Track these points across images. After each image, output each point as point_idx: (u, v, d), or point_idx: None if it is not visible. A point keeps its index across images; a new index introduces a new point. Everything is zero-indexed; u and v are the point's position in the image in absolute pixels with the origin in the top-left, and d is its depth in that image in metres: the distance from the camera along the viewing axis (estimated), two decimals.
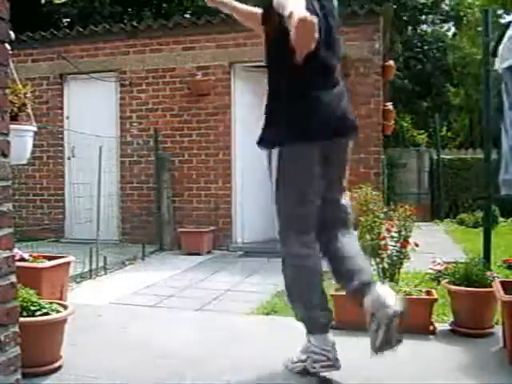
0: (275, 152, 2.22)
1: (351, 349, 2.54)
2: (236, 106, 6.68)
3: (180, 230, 6.44)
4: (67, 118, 7.20)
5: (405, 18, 14.51)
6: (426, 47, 13.72)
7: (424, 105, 14.34)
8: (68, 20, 12.20)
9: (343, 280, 2.28)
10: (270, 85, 2.27)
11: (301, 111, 2.17)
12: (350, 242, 2.33)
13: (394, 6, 7.39)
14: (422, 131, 15.10)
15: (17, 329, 1.81)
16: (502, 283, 2.68)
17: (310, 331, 2.28)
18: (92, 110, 6.94)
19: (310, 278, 2.25)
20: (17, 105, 2.74)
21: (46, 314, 2.36)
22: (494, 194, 3.38)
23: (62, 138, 7.09)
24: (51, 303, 2.47)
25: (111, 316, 3.40)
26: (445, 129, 16.95)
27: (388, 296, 2.10)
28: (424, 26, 14.30)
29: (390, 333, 2.09)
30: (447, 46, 14.04)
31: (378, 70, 6.20)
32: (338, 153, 2.31)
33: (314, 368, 2.25)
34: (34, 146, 2.99)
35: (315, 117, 2.16)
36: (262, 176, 7.46)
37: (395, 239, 3.32)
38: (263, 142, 2.31)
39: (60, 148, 7.13)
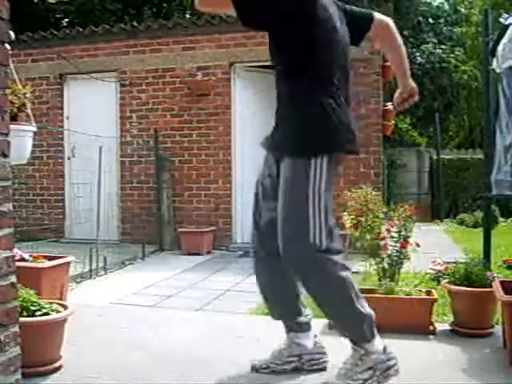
0: (317, 159, 2.09)
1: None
2: (236, 106, 6.69)
3: (180, 230, 6.44)
4: (67, 118, 7.20)
5: (405, 33, 14.59)
6: (427, 65, 13.74)
7: (421, 110, 14.36)
8: (68, 19, 12.19)
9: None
10: (297, 92, 2.16)
11: (341, 122, 2.13)
12: None
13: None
14: (422, 132, 15.11)
15: (17, 329, 1.81)
16: (502, 283, 2.68)
17: (369, 339, 2.14)
18: (92, 110, 6.94)
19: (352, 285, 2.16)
20: (16, 105, 2.74)
21: (46, 314, 2.36)
22: (488, 194, 3.37)
23: (62, 138, 7.09)
24: (51, 303, 2.47)
25: (111, 316, 3.40)
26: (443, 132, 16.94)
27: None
28: (426, 46, 14.32)
29: None
30: (449, 67, 14.01)
31: (377, 70, 6.20)
32: None
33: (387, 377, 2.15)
34: (34, 145, 2.99)
35: (350, 129, 2.18)
36: None
37: (395, 239, 3.32)
38: (304, 150, 2.13)
39: (60, 148, 7.13)
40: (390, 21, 2.36)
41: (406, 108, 2.55)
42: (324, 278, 2.11)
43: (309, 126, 2.09)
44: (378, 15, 2.36)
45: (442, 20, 16.60)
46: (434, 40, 14.86)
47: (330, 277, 2.10)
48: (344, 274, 2.11)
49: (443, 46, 14.49)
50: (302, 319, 2.40)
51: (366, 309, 2.15)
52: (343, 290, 2.11)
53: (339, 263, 2.11)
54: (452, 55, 14.25)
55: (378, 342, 2.15)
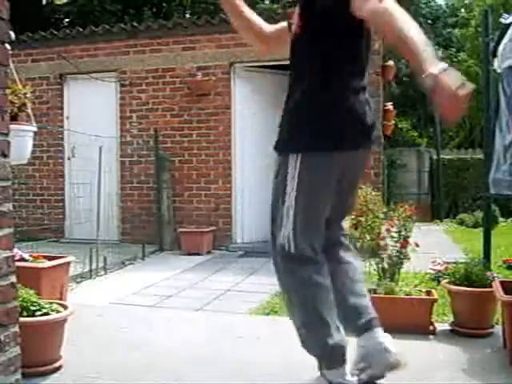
0: (293, 158, 1.93)
1: (351, 349, 2.54)
2: (236, 105, 6.69)
3: (180, 230, 6.44)
4: (67, 118, 7.20)
5: None
6: None
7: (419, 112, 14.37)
8: (68, 20, 12.20)
9: (348, 314, 2.03)
10: (295, 83, 2.01)
11: (330, 114, 1.90)
12: (355, 262, 2.15)
13: None
14: (421, 132, 15.09)
15: (17, 329, 1.81)
16: (502, 283, 2.68)
17: (328, 366, 1.97)
18: (92, 110, 6.94)
19: (327, 294, 1.96)
20: (17, 105, 2.74)
21: (46, 314, 2.36)
22: (488, 194, 3.36)
23: (62, 138, 7.09)
24: (51, 303, 2.47)
25: (111, 316, 3.40)
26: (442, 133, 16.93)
27: (389, 342, 1.94)
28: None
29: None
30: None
31: (377, 70, 6.21)
32: (358, 165, 2.09)
33: None
34: (34, 145, 2.99)
35: (346, 122, 1.92)
36: (262, 176, 7.47)
37: (395, 239, 3.32)
38: (280, 146, 2.01)
39: (60, 148, 7.13)
40: (376, 9, 1.71)
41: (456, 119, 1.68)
42: (287, 287, 1.99)
43: (287, 120, 1.99)
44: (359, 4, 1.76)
45: (441, 22, 16.62)
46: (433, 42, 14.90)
47: (293, 289, 1.97)
48: (308, 291, 1.93)
49: (444, 51, 14.50)
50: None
51: (332, 337, 1.92)
52: (305, 308, 1.95)
53: (309, 275, 1.93)
54: (455, 59, 14.25)
55: (339, 375, 1.95)
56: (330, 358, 1.97)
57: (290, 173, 1.92)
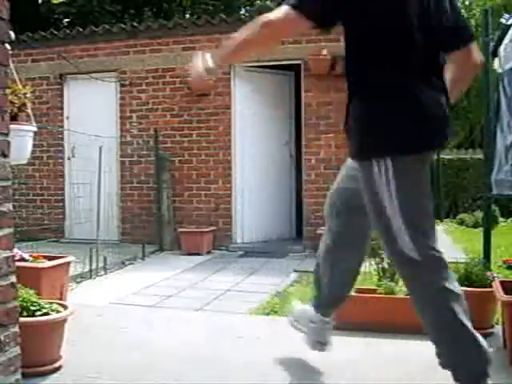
0: (380, 164, 1.80)
1: (351, 349, 2.54)
2: (236, 105, 6.69)
3: (180, 230, 6.44)
4: (67, 118, 7.20)
5: None
6: None
7: None
8: (68, 20, 12.20)
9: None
10: (364, 81, 1.87)
11: (409, 114, 1.78)
12: None
13: None
14: None
15: (17, 329, 1.81)
16: (502, 283, 2.68)
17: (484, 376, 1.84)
18: (92, 110, 6.94)
19: (458, 298, 1.89)
20: (17, 105, 2.74)
21: (46, 314, 2.36)
22: (488, 194, 3.36)
23: (62, 138, 7.09)
24: (51, 303, 2.46)
25: (111, 316, 3.40)
26: None
27: None
28: None
29: None
30: None
31: None
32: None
33: None
34: (34, 145, 2.99)
35: (424, 121, 1.80)
36: (262, 176, 7.46)
37: None
38: (362, 152, 1.87)
39: (60, 148, 7.13)
40: (478, 62, 1.99)
41: None
42: (412, 292, 1.92)
43: (361, 126, 1.86)
44: (475, 48, 1.97)
45: None
46: None
47: (418, 292, 1.89)
48: (442, 300, 1.84)
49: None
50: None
51: (482, 342, 1.82)
52: (434, 312, 1.90)
53: (437, 281, 1.83)
54: None
55: None
56: (485, 365, 1.85)
57: (383, 181, 1.81)
